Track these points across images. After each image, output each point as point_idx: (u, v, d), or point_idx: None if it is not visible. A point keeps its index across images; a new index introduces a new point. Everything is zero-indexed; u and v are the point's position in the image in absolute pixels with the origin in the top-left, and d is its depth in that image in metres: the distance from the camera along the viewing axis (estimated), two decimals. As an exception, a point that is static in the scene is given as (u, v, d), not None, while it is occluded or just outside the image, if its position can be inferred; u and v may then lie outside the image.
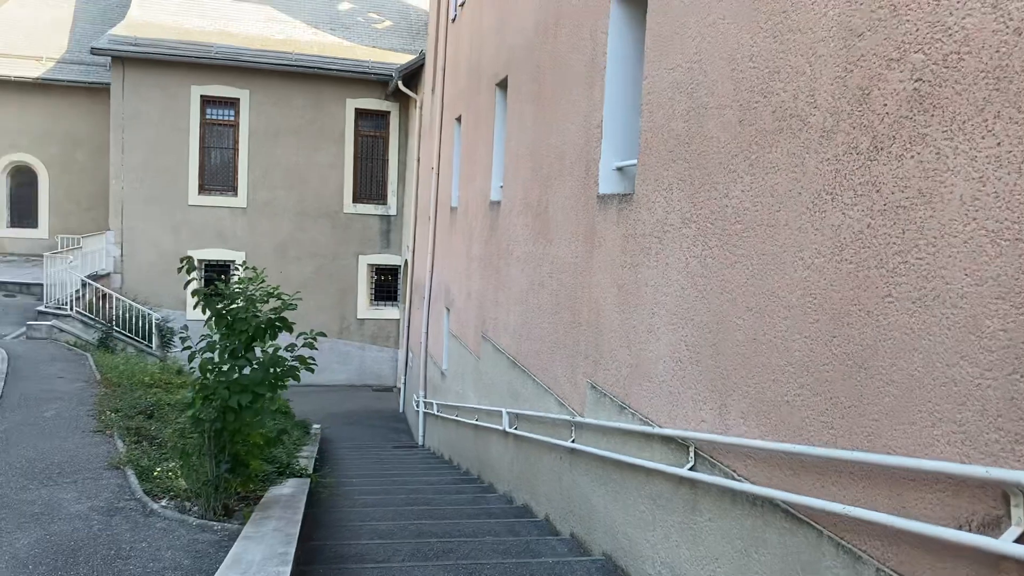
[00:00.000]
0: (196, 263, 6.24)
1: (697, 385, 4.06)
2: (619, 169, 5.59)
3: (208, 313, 4.92)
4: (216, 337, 4.92)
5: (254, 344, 5.01)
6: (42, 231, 22.42)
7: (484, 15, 10.52)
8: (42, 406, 8.16)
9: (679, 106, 4.39)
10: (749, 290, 3.61)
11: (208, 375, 4.79)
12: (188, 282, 4.92)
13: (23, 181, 22.83)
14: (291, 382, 5.21)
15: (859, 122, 2.91)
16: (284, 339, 5.57)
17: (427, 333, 14.36)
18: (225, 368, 4.75)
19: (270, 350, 5.18)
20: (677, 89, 4.42)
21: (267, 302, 5.10)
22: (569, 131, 6.35)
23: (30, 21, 24.01)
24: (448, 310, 12.54)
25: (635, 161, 5.14)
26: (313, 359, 5.20)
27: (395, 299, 20.92)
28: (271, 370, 4.92)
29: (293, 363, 5.13)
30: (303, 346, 5.15)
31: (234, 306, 4.91)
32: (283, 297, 5.12)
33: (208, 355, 4.90)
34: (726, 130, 3.87)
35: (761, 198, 3.54)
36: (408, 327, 17.39)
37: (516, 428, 7.56)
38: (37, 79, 22.00)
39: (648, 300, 4.69)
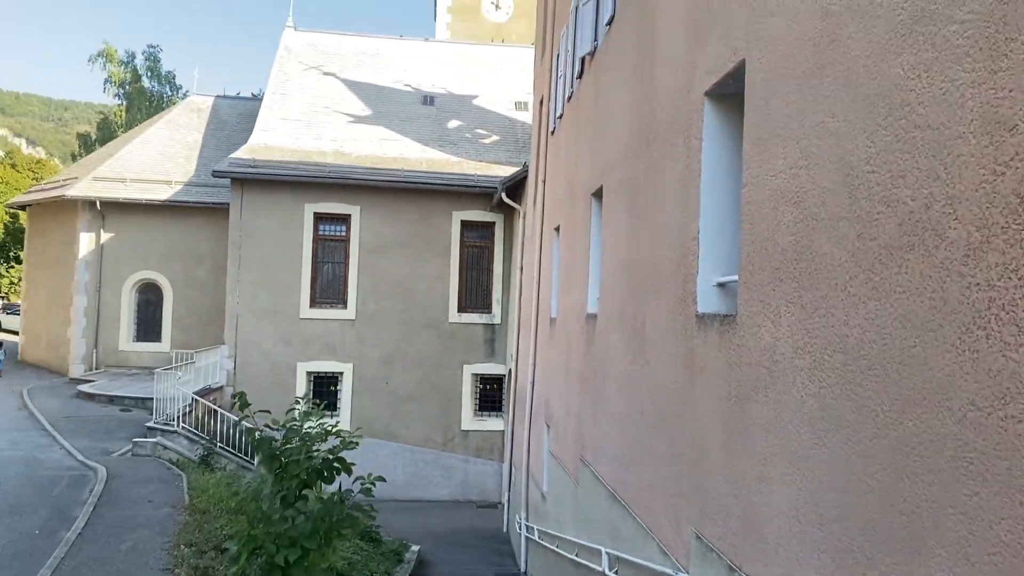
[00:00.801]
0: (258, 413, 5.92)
1: (822, 555, 3.30)
2: (720, 285, 4.98)
3: (259, 455, 4.54)
4: (265, 481, 4.51)
5: (307, 489, 4.56)
6: (164, 345, 23.36)
7: (580, 126, 10.29)
8: (121, 537, 7.97)
9: (784, 217, 3.80)
10: (881, 444, 2.90)
11: (255, 526, 4.36)
12: (241, 418, 4.57)
13: (150, 297, 24.05)
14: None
15: (1018, 237, 2.26)
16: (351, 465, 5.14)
17: (529, 450, 13.71)
18: (275, 518, 4.30)
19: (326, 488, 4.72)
20: (781, 198, 3.84)
21: (325, 440, 4.67)
22: (664, 243, 5.82)
23: (164, 147, 25.82)
24: (548, 427, 11.91)
25: (736, 277, 4.54)
26: (373, 507, 4.69)
27: (500, 409, 20.41)
28: (326, 518, 4.42)
29: (351, 511, 4.63)
30: (360, 491, 4.66)
31: (289, 446, 4.50)
32: (342, 435, 4.68)
33: (255, 502, 4.49)
34: (842, 246, 3.25)
35: (889, 329, 2.87)
36: (512, 440, 16.79)
37: (617, 573, 6.77)
38: (165, 201, 23.43)
39: (758, 443, 3.99)
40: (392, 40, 27.50)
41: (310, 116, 22.86)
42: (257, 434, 4.47)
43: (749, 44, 4.33)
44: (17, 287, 48.95)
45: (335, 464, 4.58)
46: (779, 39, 3.96)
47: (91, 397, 18.88)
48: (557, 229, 12.21)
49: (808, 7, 3.66)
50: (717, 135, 5.01)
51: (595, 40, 9.17)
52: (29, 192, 28.90)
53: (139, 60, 45.09)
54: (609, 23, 8.33)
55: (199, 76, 57.17)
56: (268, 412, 4.73)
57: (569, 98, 11.23)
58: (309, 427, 4.65)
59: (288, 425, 4.71)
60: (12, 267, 52.85)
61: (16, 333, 31.48)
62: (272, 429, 4.55)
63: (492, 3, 32.85)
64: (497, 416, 20.35)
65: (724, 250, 4.98)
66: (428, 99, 24.71)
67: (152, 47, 45.96)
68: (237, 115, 27.52)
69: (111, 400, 18.45)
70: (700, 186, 5.04)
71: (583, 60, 9.96)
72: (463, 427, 20.09)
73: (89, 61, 44.48)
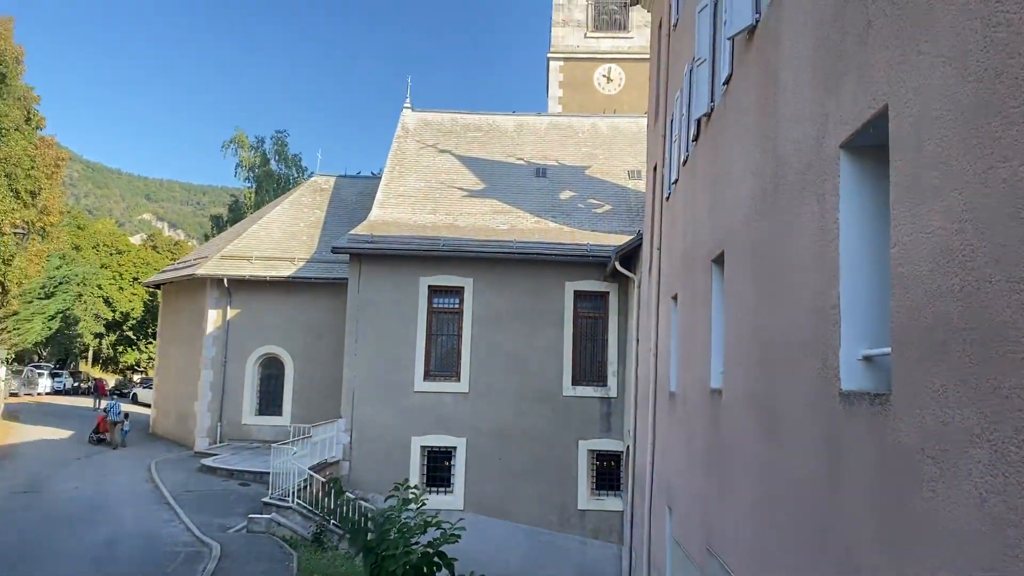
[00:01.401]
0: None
1: None
2: (866, 359, 4.38)
3: (353, 546, 4.20)
4: (361, 581, 4.16)
5: (405, 589, 4.19)
6: (285, 418, 23.82)
7: (697, 190, 9.84)
8: (230, 618, 7.78)
9: (947, 281, 3.24)
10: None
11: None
12: (338, 505, 4.26)
13: (272, 371, 24.71)
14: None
15: None
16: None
17: (649, 534, 12.91)
18: (368, 622, 3.94)
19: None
20: (943, 258, 3.29)
21: (424, 531, 4.30)
22: (798, 312, 5.25)
23: (287, 226, 26.88)
24: (670, 509, 11.15)
25: (888, 350, 3.95)
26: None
27: (618, 488, 19.56)
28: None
29: (452, 615, 4.20)
30: (461, 595, 4.23)
31: (387, 539, 4.15)
32: (443, 526, 4.30)
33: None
34: (1031, 313, 2.68)
35: (1109, 417, 2.28)
36: (631, 522, 15.95)
37: None
38: (288, 277, 24.22)
39: (926, 548, 3.35)
40: (505, 116, 27.95)
41: (425, 192, 23.31)
42: (353, 521, 4.16)
43: (892, 87, 3.84)
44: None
45: (435, 560, 4.20)
46: (930, 78, 3.47)
47: (213, 471, 19.29)
48: (675, 298, 11.66)
49: (966, 38, 3.17)
50: (856, 190, 4.49)
51: (711, 100, 8.78)
52: (164, 271, 30.62)
53: (268, 144, 47.81)
54: (726, 82, 7.94)
55: (322, 157, 60.01)
56: (366, 501, 4.41)
57: (684, 162, 10.82)
58: (408, 516, 4.31)
59: (387, 514, 4.38)
60: (150, 343, 56.05)
61: (149, 406, 33.02)
62: (365, 522, 4.23)
63: (603, 76, 33.05)
64: (615, 495, 19.51)
65: (871, 319, 4.40)
66: (540, 171, 24.81)
67: (280, 132, 48.59)
68: (357, 193, 28.45)
69: (231, 474, 18.77)
70: (839, 247, 4.50)
71: (699, 122, 9.57)
72: (580, 506, 19.33)
73: (222, 147, 47.52)
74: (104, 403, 27.79)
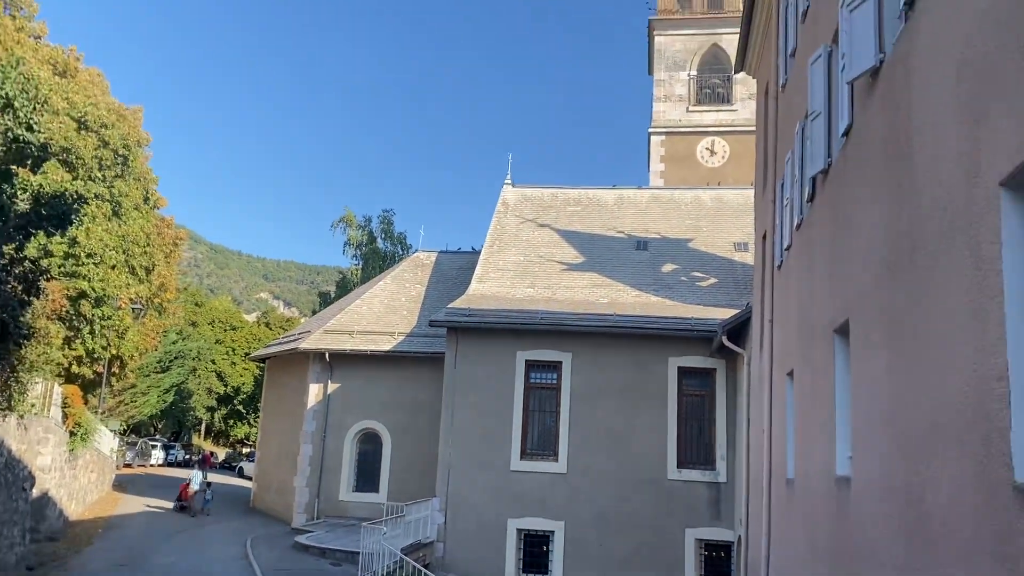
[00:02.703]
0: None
1: None
2: (1049, 444, 3.51)
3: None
4: None
5: None
6: (381, 495, 23.36)
7: (814, 254, 8.99)
8: None
9: None
10: None
11: None
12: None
13: (369, 447, 24.45)
14: None
15: None
16: None
17: (766, 637, 11.61)
18: None
19: None
20: None
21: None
22: (949, 386, 4.40)
23: (389, 300, 27.00)
24: (790, 612, 9.94)
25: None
26: None
27: (729, 582, 18.06)
28: None
29: None
30: None
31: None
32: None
33: None
34: None
35: None
36: (744, 622, 14.54)
37: None
38: (388, 352, 24.14)
39: None
40: (605, 190, 27.60)
41: (524, 266, 23.01)
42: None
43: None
44: (261, 436, 52.85)
45: None
46: None
47: (306, 549, 18.92)
48: (790, 374, 10.67)
49: None
50: (1021, 234, 3.69)
51: (828, 156, 8.04)
52: (269, 346, 31.18)
53: (374, 223, 49.04)
54: (846, 133, 7.21)
55: (425, 233, 61.26)
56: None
57: (798, 226, 9.99)
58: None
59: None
60: (259, 417, 57.37)
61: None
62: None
63: (707, 148, 32.40)
64: (725, 589, 18.00)
65: (1052, 393, 3.55)
66: (642, 244, 24.17)
67: (386, 211, 49.86)
68: (457, 268, 28.44)
69: (323, 553, 18.34)
70: (1004, 305, 3.69)
71: (813, 180, 8.80)
72: (687, 602, 17.91)
73: (332, 227, 49.01)
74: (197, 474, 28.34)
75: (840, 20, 7.13)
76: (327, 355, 24.78)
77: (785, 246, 11.14)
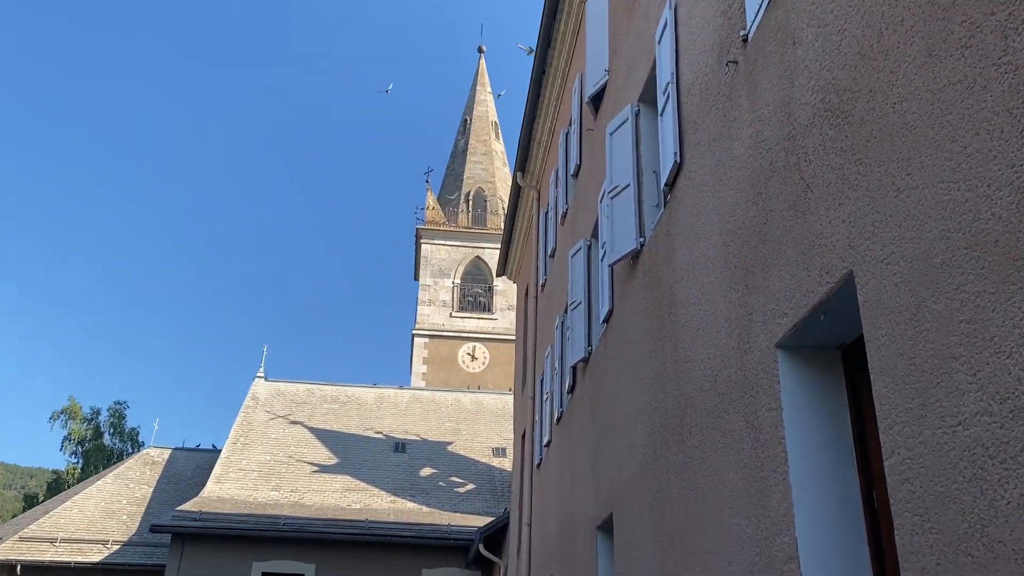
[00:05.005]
0: None
1: None
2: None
3: None
4: None
5: None
6: None
7: (575, 447, 8.68)
8: None
9: (1004, 491, 2.12)
10: None
11: None
12: None
13: None
14: None
15: None
16: None
17: None
18: None
19: None
20: (984, 461, 2.19)
21: None
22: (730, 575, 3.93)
23: (107, 503, 23.37)
24: None
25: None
26: None
27: None
28: None
29: None
30: None
31: None
32: None
33: None
34: None
35: None
36: None
37: None
38: (97, 564, 20.50)
39: None
40: (364, 388, 26.67)
41: (270, 467, 21.08)
42: None
43: (858, 254, 2.94)
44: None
45: None
46: (899, 232, 2.60)
47: None
48: (549, 580, 9.98)
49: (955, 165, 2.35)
50: (803, 398, 3.45)
51: (588, 344, 7.95)
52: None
53: (103, 416, 43.82)
54: (606, 319, 7.15)
55: (159, 428, 55.61)
56: None
57: (558, 419, 9.75)
58: None
59: None
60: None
61: None
62: None
63: (468, 353, 32.90)
64: None
65: (845, 568, 3.16)
66: (400, 446, 23.18)
67: (119, 403, 44.71)
68: (194, 468, 25.49)
69: None
70: (788, 476, 3.34)
71: (574, 370, 8.66)
72: None
73: (50, 419, 43.03)
74: None
75: (600, 210, 7.29)
76: (19, 567, 20.54)
77: (545, 442, 10.83)
